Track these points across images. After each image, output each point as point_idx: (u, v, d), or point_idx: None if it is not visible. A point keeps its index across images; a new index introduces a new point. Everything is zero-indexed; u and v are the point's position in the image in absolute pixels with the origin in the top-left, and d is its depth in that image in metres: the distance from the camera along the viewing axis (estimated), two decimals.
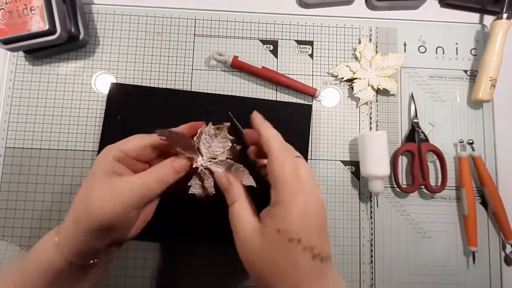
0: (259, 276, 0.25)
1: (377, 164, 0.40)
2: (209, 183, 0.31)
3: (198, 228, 0.40)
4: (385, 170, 0.40)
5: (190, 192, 0.32)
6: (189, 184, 0.32)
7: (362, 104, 0.45)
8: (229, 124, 0.30)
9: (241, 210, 0.28)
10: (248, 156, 0.32)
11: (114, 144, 0.29)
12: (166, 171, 0.28)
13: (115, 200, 0.26)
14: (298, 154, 0.28)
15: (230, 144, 0.31)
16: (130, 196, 0.27)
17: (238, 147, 0.32)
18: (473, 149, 0.44)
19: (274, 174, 0.26)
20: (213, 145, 0.31)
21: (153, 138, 0.30)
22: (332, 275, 0.26)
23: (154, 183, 0.28)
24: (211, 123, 0.31)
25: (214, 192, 0.31)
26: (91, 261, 0.28)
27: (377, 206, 0.43)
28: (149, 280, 0.40)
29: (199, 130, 0.31)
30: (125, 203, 0.26)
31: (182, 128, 0.32)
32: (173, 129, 0.31)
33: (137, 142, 0.29)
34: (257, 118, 0.30)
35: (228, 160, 0.31)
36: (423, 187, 0.43)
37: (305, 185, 0.26)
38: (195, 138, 0.31)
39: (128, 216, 0.27)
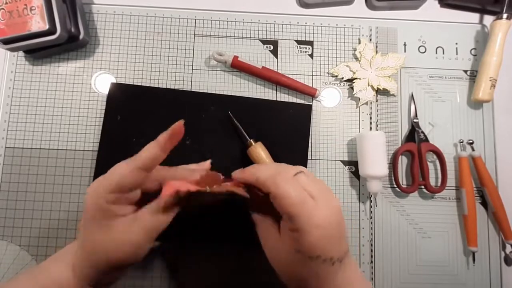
0: (286, 281, 0.27)
1: (375, 164, 0.40)
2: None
3: (200, 228, 0.40)
4: (383, 170, 0.40)
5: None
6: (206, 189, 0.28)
7: (362, 104, 0.45)
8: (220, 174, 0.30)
9: (263, 230, 0.29)
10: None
11: (102, 184, 0.26)
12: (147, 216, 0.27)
13: (130, 244, 0.26)
14: (296, 169, 0.28)
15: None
16: (142, 239, 0.27)
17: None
18: (473, 149, 0.44)
19: (283, 209, 0.26)
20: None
21: (136, 162, 0.26)
22: (350, 266, 0.28)
23: (160, 221, 0.27)
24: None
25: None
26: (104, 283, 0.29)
27: (376, 205, 0.43)
28: (149, 280, 0.40)
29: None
30: (139, 245, 0.27)
31: (161, 141, 0.27)
32: (156, 148, 0.27)
33: (121, 175, 0.26)
34: (238, 173, 0.30)
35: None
36: (423, 187, 0.43)
37: (317, 201, 0.26)
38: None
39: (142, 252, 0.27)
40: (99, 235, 0.26)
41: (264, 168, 0.29)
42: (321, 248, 0.25)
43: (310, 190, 0.26)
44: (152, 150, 0.26)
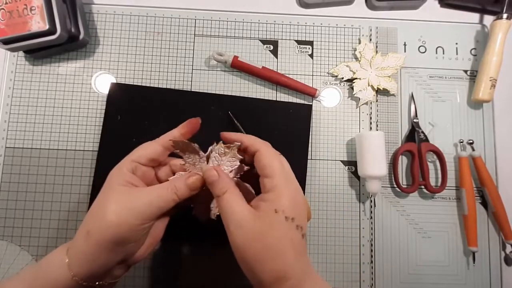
0: (252, 261, 0.26)
1: (374, 164, 0.40)
2: (214, 203, 0.31)
3: (199, 227, 0.40)
4: (382, 170, 0.40)
5: (193, 213, 0.32)
6: (191, 205, 0.32)
7: (362, 104, 0.45)
8: (239, 144, 0.30)
9: (234, 198, 0.28)
10: (255, 175, 0.31)
11: (126, 157, 0.30)
12: (181, 186, 0.29)
13: (131, 210, 0.27)
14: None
15: (239, 163, 0.31)
16: (146, 207, 0.27)
17: (246, 167, 0.32)
18: (473, 149, 0.44)
19: (265, 166, 0.28)
20: (222, 163, 0.31)
21: (159, 144, 0.31)
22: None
23: (169, 196, 0.28)
24: (221, 142, 0.31)
25: (217, 214, 0.31)
26: (98, 283, 0.28)
27: (375, 205, 0.43)
28: (149, 280, 0.40)
29: (209, 148, 0.31)
30: (141, 214, 0.27)
31: (180, 127, 0.32)
32: (176, 131, 0.32)
33: (146, 150, 0.30)
34: (228, 133, 0.32)
35: (236, 178, 0.31)
36: (423, 187, 0.43)
37: (291, 176, 0.28)
38: (205, 154, 0.31)
39: (142, 229, 0.27)
40: (110, 197, 0.28)
41: (250, 136, 0.31)
42: (294, 211, 0.26)
43: (287, 169, 0.29)
44: (174, 133, 0.31)
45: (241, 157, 0.31)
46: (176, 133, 0.32)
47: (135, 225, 0.27)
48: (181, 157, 0.31)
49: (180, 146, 0.30)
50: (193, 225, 0.39)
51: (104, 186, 0.29)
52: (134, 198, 0.27)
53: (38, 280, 0.27)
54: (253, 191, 0.31)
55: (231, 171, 0.31)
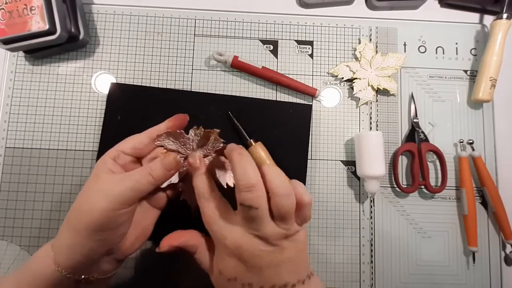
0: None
1: (372, 164, 0.40)
2: None
3: (194, 227, 0.40)
4: (380, 170, 0.40)
5: (182, 198, 0.33)
6: (180, 189, 0.33)
7: (362, 104, 0.45)
8: (219, 130, 0.30)
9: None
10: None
11: (112, 148, 0.31)
12: (157, 167, 0.29)
13: (106, 195, 0.27)
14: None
15: (222, 145, 0.31)
16: (121, 191, 0.27)
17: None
18: (473, 149, 0.44)
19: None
20: (205, 146, 0.32)
21: (145, 136, 0.31)
22: None
23: (144, 178, 0.28)
24: (201, 127, 0.31)
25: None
26: (84, 276, 0.28)
27: (374, 205, 0.43)
28: (147, 280, 0.40)
29: (190, 131, 0.31)
30: (115, 198, 0.27)
31: (167, 121, 0.33)
32: (163, 125, 0.32)
33: (132, 140, 0.31)
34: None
35: (213, 155, 0.32)
36: (423, 187, 0.43)
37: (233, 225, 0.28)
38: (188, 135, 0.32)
39: (118, 214, 0.27)
40: (90, 184, 0.28)
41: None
42: (234, 270, 0.28)
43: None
44: (161, 127, 0.32)
45: (223, 140, 0.31)
46: (163, 127, 0.32)
47: (110, 210, 0.26)
48: (172, 150, 0.31)
49: (166, 137, 0.30)
50: (188, 224, 0.39)
51: (91, 174, 0.29)
52: (109, 182, 0.27)
53: (26, 277, 0.27)
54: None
55: (214, 152, 0.32)
